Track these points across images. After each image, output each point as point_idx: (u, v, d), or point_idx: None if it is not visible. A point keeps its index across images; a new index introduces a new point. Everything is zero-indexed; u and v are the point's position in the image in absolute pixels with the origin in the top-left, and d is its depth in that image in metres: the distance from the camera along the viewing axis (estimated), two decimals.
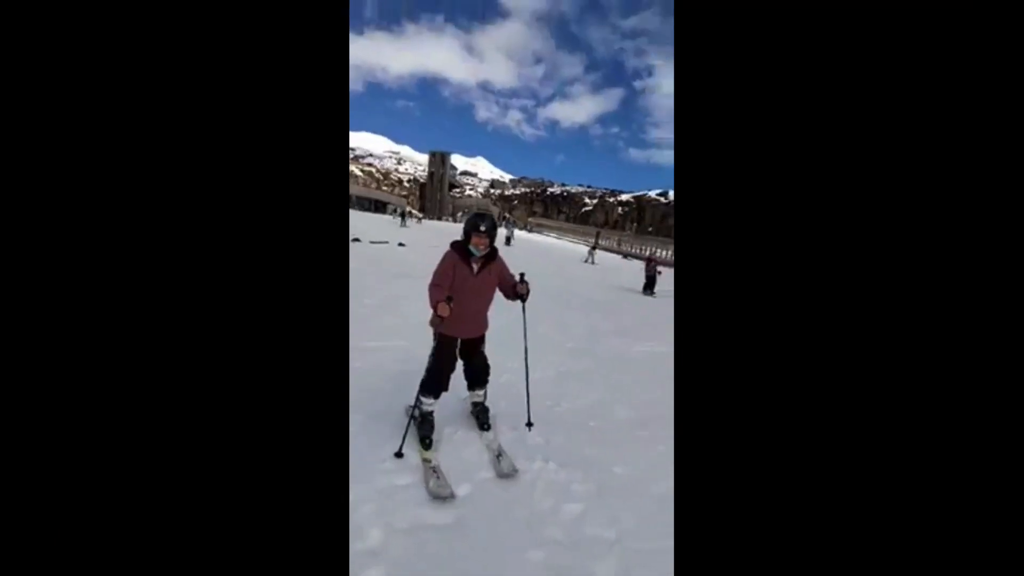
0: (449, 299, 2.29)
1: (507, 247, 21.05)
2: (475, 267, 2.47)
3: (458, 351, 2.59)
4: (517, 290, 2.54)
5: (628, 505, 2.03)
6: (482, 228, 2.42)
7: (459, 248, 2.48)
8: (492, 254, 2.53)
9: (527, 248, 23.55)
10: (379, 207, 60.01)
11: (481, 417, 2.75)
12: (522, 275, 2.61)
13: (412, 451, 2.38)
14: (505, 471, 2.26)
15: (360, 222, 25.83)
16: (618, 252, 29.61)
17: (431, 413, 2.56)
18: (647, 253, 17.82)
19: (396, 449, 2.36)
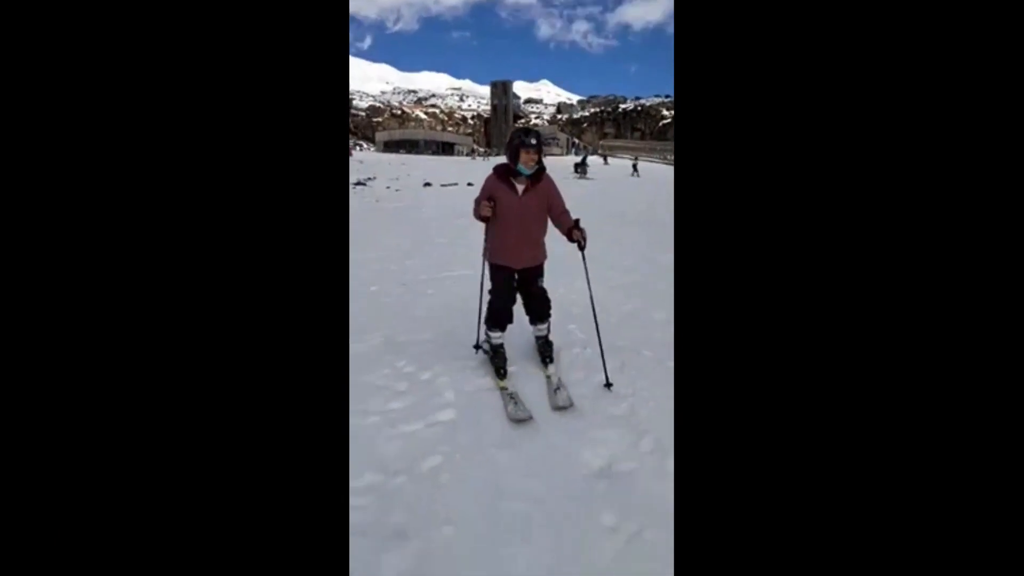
0: (491, 199, 2.27)
1: (581, 177, 20.42)
2: (519, 188, 2.30)
3: (513, 283, 2.46)
4: (572, 236, 2.32)
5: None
6: (532, 142, 2.22)
7: (500, 170, 2.33)
8: (539, 174, 2.32)
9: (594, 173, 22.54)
10: (446, 149, 60.14)
11: (544, 351, 2.63)
12: (577, 221, 2.36)
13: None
14: (561, 403, 2.22)
15: (430, 166, 26.37)
16: None
17: (501, 345, 2.55)
18: None
19: (475, 348, 2.65)
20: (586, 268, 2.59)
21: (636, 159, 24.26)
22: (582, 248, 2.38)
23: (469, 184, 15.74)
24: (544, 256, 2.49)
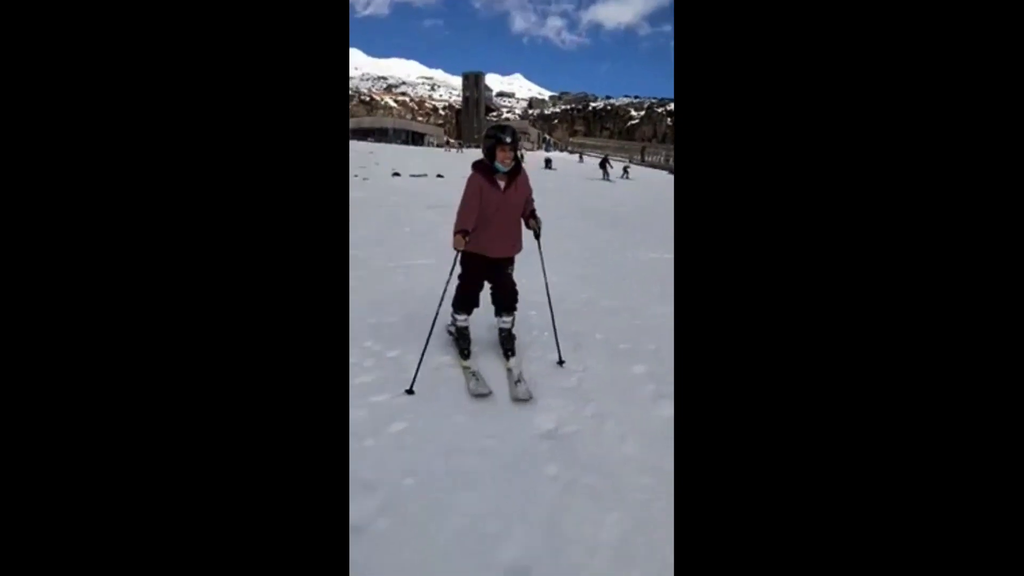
0: (465, 233, 2.34)
1: (548, 170, 20.86)
2: (502, 184, 2.42)
3: (484, 271, 2.56)
4: (528, 224, 2.53)
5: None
6: (507, 140, 2.31)
7: (482, 167, 2.42)
8: (517, 167, 2.44)
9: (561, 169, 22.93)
10: (417, 139, 59.09)
11: (506, 344, 2.70)
12: (532, 211, 2.55)
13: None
14: (520, 395, 2.28)
15: (399, 155, 25.99)
16: (665, 168, 27.99)
17: (466, 328, 2.68)
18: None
19: (421, 347, 2.47)
20: (542, 257, 2.73)
21: (606, 157, 23.66)
22: (537, 236, 2.56)
23: (439, 176, 15.72)
24: (520, 248, 2.60)
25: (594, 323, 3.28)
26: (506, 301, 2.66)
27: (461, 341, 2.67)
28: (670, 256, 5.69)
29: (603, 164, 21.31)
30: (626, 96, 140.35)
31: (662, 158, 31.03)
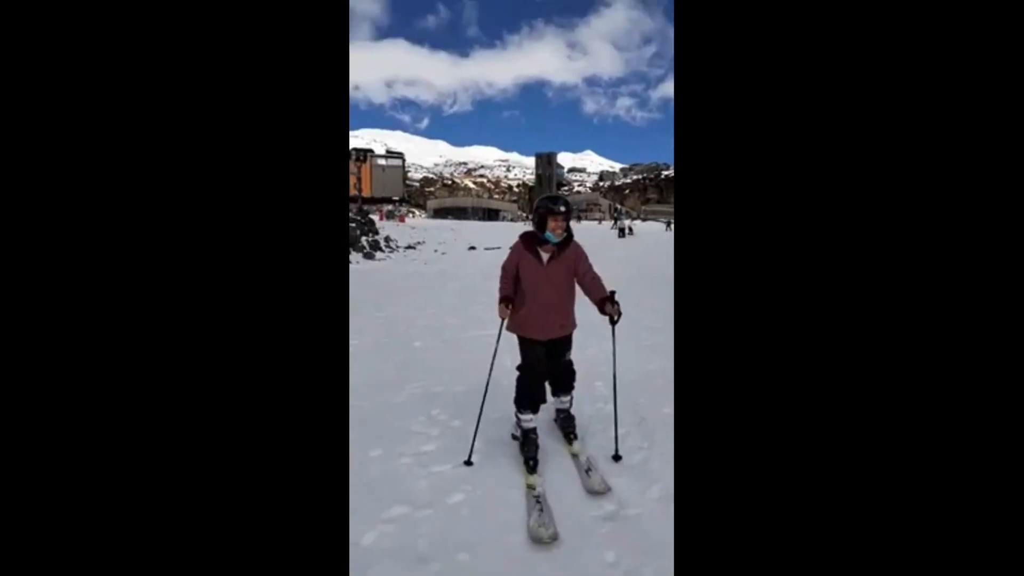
0: (507, 300, 2.25)
1: (624, 239, 21.17)
2: (544, 256, 2.24)
3: (540, 355, 2.32)
4: (605, 309, 2.23)
5: None
6: (560, 209, 2.17)
7: (527, 238, 2.30)
8: (567, 241, 2.26)
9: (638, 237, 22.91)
10: (492, 215, 63.23)
11: (567, 426, 2.48)
12: (612, 293, 2.26)
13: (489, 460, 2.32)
14: (596, 488, 2.04)
15: (476, 231, 27.81)
16: None
17: (533, 430, 2.32)
18: None
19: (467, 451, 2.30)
20: (614, 341, 2.49)
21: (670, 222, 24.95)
22: (614, 323, 2.30)
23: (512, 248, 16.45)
24: (573, 325, 2.38)
25: (664, 396, 3.12)
26: (563, 382, 2.48)
27: (528, 447, 2.29)
28: None
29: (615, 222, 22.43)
30: None
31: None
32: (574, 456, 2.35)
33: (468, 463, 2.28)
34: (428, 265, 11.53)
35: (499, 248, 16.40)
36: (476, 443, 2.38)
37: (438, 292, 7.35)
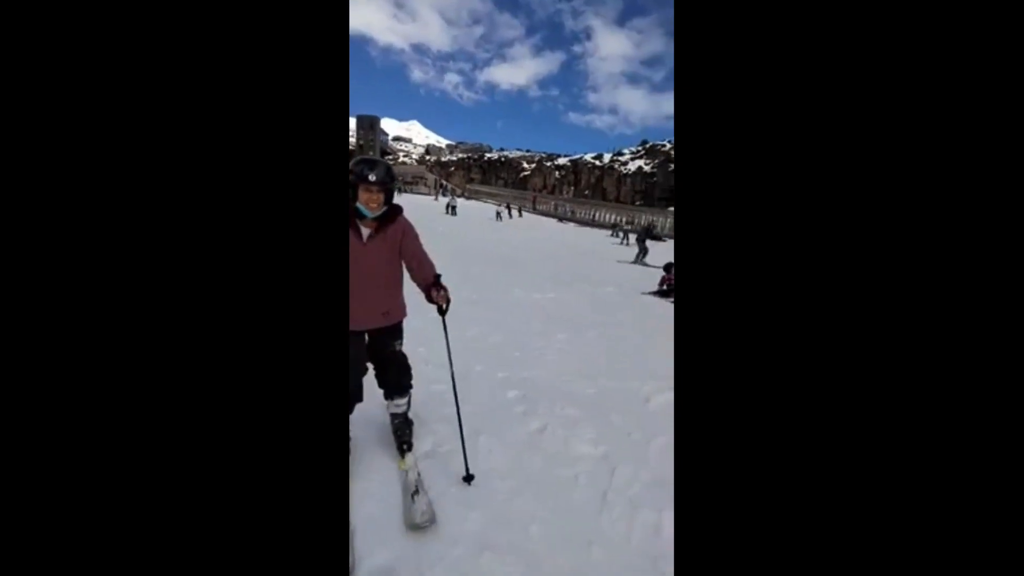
0: None
1: (452, 217, 21.36)
2: (364, 232, 1.80)
3: (360, 350, 1.93)
4: (432, 297, 1.91)
5: None
6: (371, 177, 1.70)
7: None
8: (391, 213, 1.84)
9: (464, 214, 23.52)
10: None
11: (401, 433, 2.08)
12: (437, 277, 1.93)
13: None
14: (417, 520, 1.66)
15: None
16: (554, 216, 30.36)
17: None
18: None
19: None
20: (447, 335, 2.05)
21: (507, 204, 26.38)
22: (443, 312, 1.95)
23: None
24: (402, 313, 2.00)
25: (479, 357, 3.34)
26: (396, 380, 2.05)
27: None
28: (553, 295, 6.05)
29: (499, 210, 23.64)
30: (519, 149, 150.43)
31: (551, 207, 33.63)
32: (404, 473, 1.96)
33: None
34: None
35: None
36: None
37: None
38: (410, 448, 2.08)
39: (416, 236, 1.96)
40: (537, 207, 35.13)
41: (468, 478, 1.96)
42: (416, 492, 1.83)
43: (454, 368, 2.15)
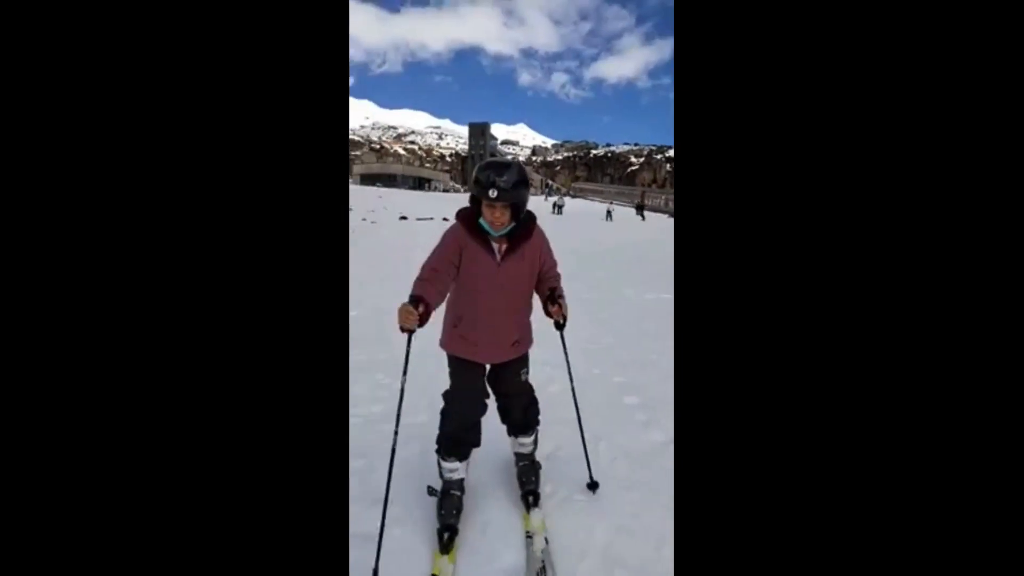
0: (415, 301, 1.42)
1: (558, 216, 21.43)
2: (498, 251, 1.55)
3: (481, 383, 1.68)
4: (548, 310, 1.65)
5: None
6: (491, 194, 1.41)
7: (468, 219, 1.56)
8: (526, 226, 1.57)
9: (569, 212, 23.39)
10: (422, 184, 61.15)
11: (526, 479, 1.76)
12: (552, 290, 1.65)
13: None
14: None
15: (407, 200, 26.67)
16: (665, 212, 28.56)
17: (460, 483, 1.66)
18: None
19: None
20: (566, 354, 1.82)
21: (612, 204, 24.95)
22: (560, 326, 1.69)
23: (444, 219, 16.03)
24: (530, 341, 1.71)
25: (595, 360, 3.21)
26: (521, 416, 1.75)
27: (446, 506, 1.61)
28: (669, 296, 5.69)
29: (609, 210, 22.75)
30: (626, 144, 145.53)
31: (661, 202, 31.53)
32: (528, 537, 1.57)
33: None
34: (354, 234, 10.83)
35: (431, 219, 15.92)
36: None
37: (367, 264, 6.93)
38: (537, 501, 1.69)
39: (551, 252, 1.70)
40: (645, 203, 33.48)
41: (592, 485, 1.82)
42: (543, 571, 1.42)
43: (572, 372, 1.95)
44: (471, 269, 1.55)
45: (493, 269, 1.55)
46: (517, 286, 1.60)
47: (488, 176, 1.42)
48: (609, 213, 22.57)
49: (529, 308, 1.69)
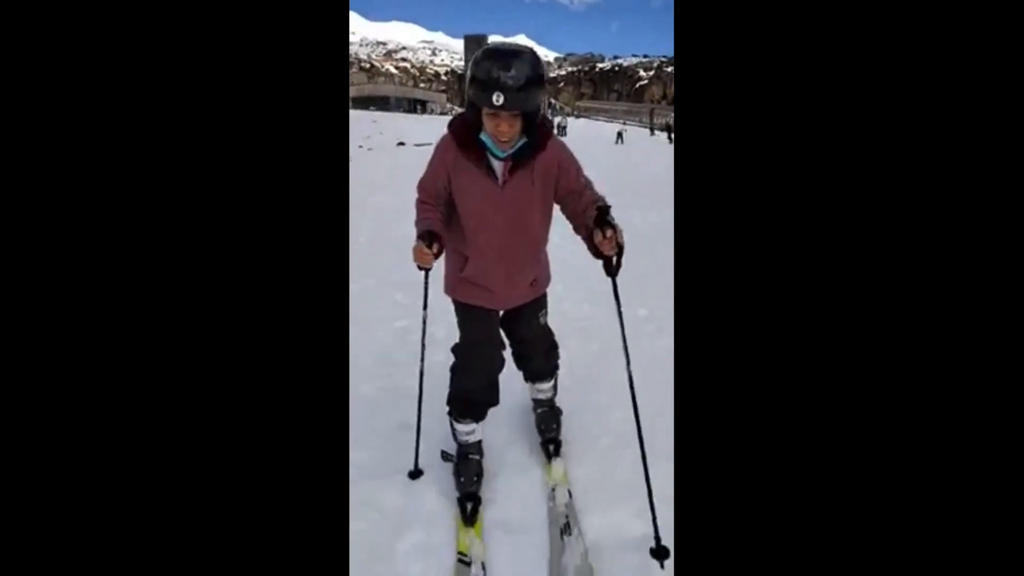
0: (430, 237, 1.18)
1: (563, 138, 20.11)
2: (501, 171, 1.22)
3: (495, 331, 1.44)
4: (599, 247, 1.18)
5: None
6: (498, 99, 1.05)
7: (461, 134, 1.22)
8: (540, 138, 1.21)
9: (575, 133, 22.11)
10: (417, 107, 57.75)
11: (546, 427, 1.59)
12: (600, 210, 1.18)
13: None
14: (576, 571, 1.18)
15: (403, 124, 25.32)
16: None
17: (476, 445, 1.47)
18: None
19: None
20: (619, 303, 1.29)
21: (624, 125, 22.60)
22: (613, 270, 1.23)
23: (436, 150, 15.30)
24: (547, 279, 1.45)
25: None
26: (539, 362, 1.54)
27: (462, 476, 1.41)
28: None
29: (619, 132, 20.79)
30: (635, 56, 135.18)
31: (671, 120, 29.53)
32: (551, 490, 1.41)
33: (415, 474, 1.49)
34: (353, 162, 10.34)
35: (430, 144, 15.19)
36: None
37: (375, 191, 6.64)
38: (558, 450, 1.53)
39: (572, 158, 1.30)
40: (655, 121, 31.54)
41: (659, 552, 1.20)
42: (567, 527, 1.26)
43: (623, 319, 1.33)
44: (468, 198, 1.25)
45: (496, 196, 1.23)
46: (528, 214, 1.27)
47: (490, 71, 1.05)
48: (620, 135, 20.74)
49: (546, 238, 1.37)
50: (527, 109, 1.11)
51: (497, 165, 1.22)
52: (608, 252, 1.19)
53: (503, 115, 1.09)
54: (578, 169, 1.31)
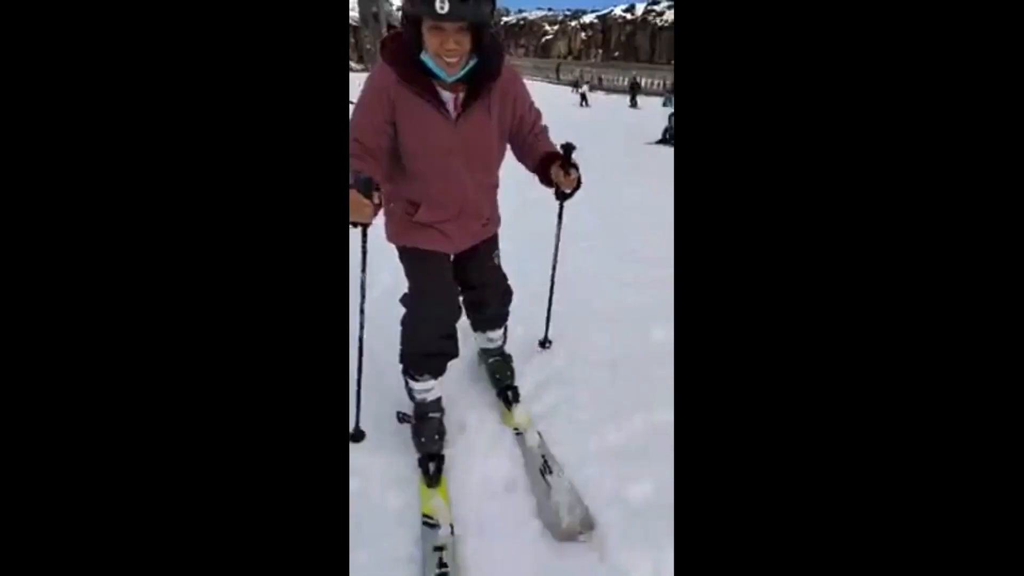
0: (367, 184, 0.96)
1: None
2: (451, 102, 1.08)
3: (446, 275, 1.32)
4: (553, 177, 1.19)
5: None
6: (442, 7, 0.89)
7: (404, 65, 1.03)
8: (491, 64, 1.07)
9: None
10: None
11: (501, 376, 1.52)
12: (567, 148, 1.18)
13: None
14: (564, 525, 1.11)
15: None
16: (661, 95, 19.31)
17: (435, 403, 1.35)
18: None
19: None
20: (559, 225, 1.50)
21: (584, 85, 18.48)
22: (565, 196, 1.28)
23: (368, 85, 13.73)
24: (499, 220, 1.37)
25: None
26: (494, 307, 1.45)
27: (423, 437, 1.31)
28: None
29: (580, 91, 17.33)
30: (539, 8, 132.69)
31: (577, 75, 28.90)
32: (518, 435, 1.38)
33: (356, 436, 1.37)
34: None
35: None
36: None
37: None
38: (517, 396, 1.48)
39: (526, 90, 1.20)
40: (561, 77, 31.20)
41: (544, 342, 1.79)
42: (546, 467, 1.20)
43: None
44: (415, 138, 1.09)
45: (448, 133, 1.09)
46: (486, 152, 1.17)
47: None
48: (584, 97, 16.06)
49: (496, 176, 1.28)
50: (477, 20, 0.95)
51: (447, 97, 1.08)
52: (567, 189, 1.21)
53: (448, 27, 0.95)
54: (533, 104, 1.24)
